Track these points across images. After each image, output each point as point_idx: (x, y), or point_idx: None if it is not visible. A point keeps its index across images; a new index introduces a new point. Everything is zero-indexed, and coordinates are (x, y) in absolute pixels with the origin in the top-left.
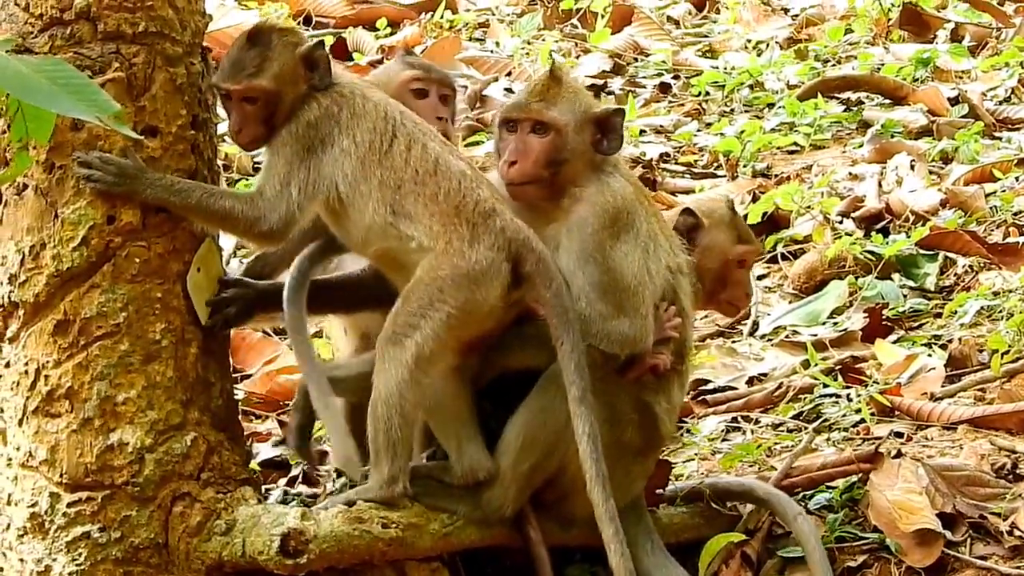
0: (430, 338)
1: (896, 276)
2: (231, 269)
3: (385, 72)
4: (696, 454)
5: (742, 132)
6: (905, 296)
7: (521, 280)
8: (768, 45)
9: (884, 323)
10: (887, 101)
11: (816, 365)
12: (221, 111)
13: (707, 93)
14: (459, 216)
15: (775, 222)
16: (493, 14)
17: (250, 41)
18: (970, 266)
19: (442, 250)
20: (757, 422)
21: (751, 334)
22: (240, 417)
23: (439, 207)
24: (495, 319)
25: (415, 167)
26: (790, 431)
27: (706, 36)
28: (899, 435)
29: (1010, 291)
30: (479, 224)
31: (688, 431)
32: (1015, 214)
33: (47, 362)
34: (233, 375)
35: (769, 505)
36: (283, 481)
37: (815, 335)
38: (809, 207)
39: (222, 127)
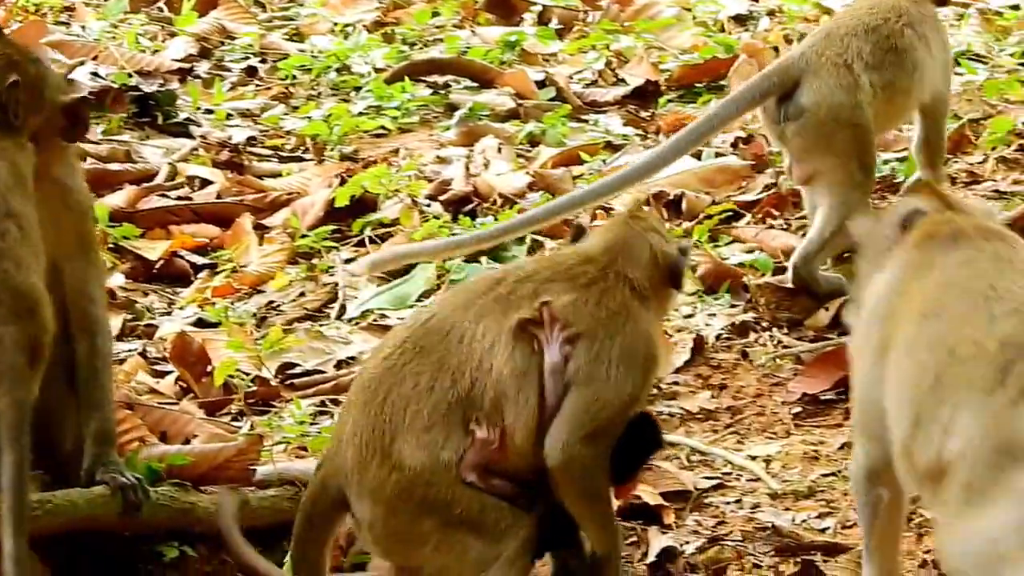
0: None
1: (484, 259)
2: None
3: None
4: (285, 438)
5: (329, 116)
6: None
7: None
8: (355, 28)
9: None
10: (474, 84)
11: None
12: None
13: (294, 77)
14: None
15: (363, 206)
16: None
17: None
18: (558, 247)
19: None
20: None
21: (338, 317)
22: None
23: None
24: None
25: None
26: None
27: (293, 19)
28: None
29: None
30: None
31: (276, 415)
32: None
33: None
34: None
35: None
36: None
37: (403, 319)
38: (397, 190)
39: None
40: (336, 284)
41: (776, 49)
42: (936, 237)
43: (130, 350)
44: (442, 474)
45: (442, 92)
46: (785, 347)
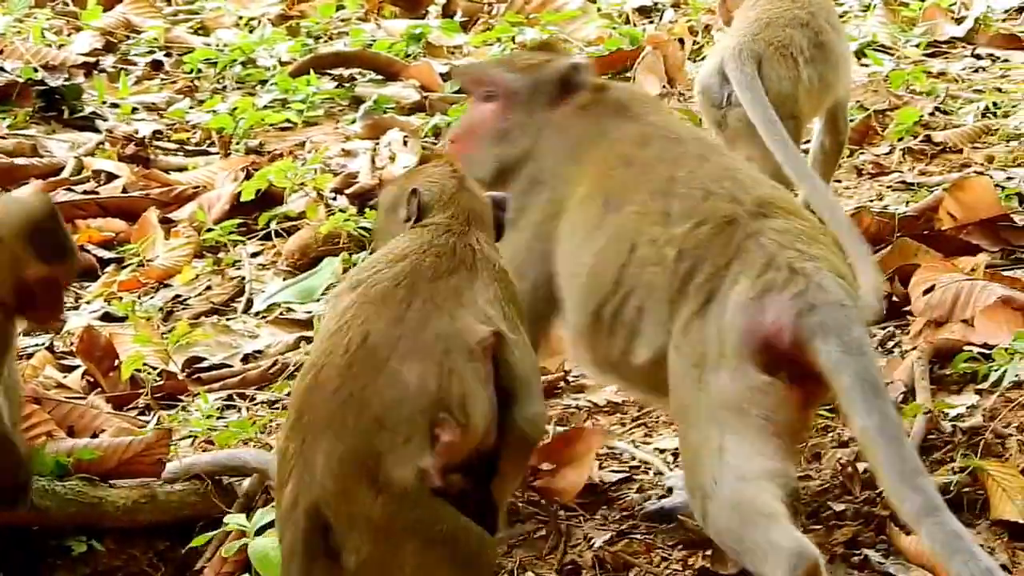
0: None
1: None
2: None
3: None
4: (192, 432)
5: (235, 109)
6: None
7: None
8: (260, 22)
9: None
10: (379, 77)
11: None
12: None
13: (199, 70)
14: None
15: (269, 199)
16: None
17: None
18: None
19: None
20: (253, 400)
21: (245, 311)
22: None
23: None
24: None
25: None
26: (286, 408)
27: (198, 13)
28: None
29: None
30: None
31: (184, 409)
32: None
33: None
34: None
35: (264, 473)
36: None
37: (310, 312)
38: (303, 184)
39: None
40: (243, 278)
41: (681, 41)
42: (601, 104)
43: (37, 344)
44: (424, 489)
45: (347, 85)
46: None
